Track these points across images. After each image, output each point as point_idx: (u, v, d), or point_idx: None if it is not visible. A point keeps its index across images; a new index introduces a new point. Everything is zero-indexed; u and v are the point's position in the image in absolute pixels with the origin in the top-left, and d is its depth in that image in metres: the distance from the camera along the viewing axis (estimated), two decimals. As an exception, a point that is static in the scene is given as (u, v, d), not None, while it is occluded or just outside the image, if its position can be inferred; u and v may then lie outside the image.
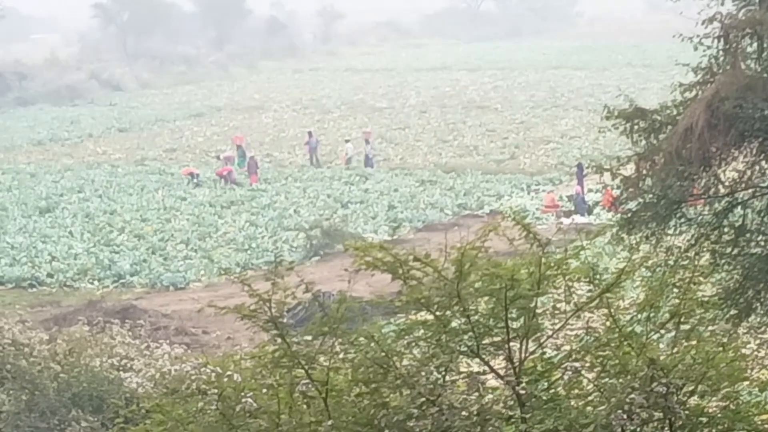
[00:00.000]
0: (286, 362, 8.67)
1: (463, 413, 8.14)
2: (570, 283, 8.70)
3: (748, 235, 15.46)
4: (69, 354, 17.98)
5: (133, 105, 75.99)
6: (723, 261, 15.28)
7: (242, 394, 8.58)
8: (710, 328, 9.02)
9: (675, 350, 8.58)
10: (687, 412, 8.17)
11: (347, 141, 51.50)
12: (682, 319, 8.76)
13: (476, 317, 8.58)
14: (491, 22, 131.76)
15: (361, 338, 8.60)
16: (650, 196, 15.30)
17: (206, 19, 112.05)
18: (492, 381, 8.62)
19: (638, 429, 8.08)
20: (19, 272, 33.24)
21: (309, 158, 50.68)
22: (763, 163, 15.46)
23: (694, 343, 8.58)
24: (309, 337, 8.77)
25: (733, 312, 15.01)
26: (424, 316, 8.77)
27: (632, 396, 7.93)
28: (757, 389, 9.25)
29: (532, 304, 8.58)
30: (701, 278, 9.28)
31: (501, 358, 8.67)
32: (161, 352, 18.70)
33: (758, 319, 15.58)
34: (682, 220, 15.45)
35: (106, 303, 29.00)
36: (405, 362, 8.59)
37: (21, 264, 34.19)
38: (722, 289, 15.18)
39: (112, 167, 51.20)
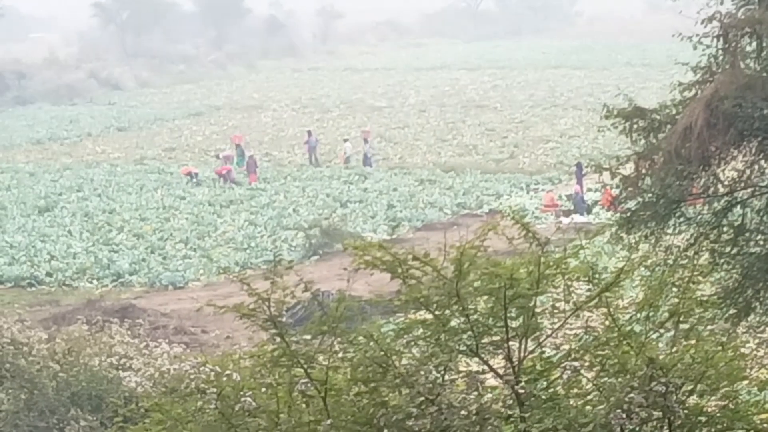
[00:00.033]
0: (285, 361, 8.66)
1: (462, 412, 8.13)
2: (569, 283, 8.70)
3: (747, 234, 15.45)
4: (68, 353, 17.98)
5: (132, 104, 75.99)
6: (722, 260, 15.28)
7: (241, 393, 8.58)
8: (709, 327, 9.01)
9: (674, 349, 8.58)
10: (686, 411, 8.17)
11: (346, 140, 51.51)
12: (681, 319, 8.76)
13: (475, 316, 8.58)
14: (491, 21, 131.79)
15: (360, 337, 8.60)
16: (649, 195, 15.29)
17: (205, 19, 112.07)
18: (491, 380, 8.62)
19: (637, 428, 8.07)
20: (18, 271, 33.24)
21: (308, 157, 50.68)
22: (762, 162, 15.46)
23: (693, 342, 8.58)
24: (308, 336, 8.77)
25: (732, 311, 15.00)
26: (423, 315, 8.77)
27: (631, 395, 7.93)
28: (756, 388, 9.25)
29: (531, 304, 8.58)
30: (700, 277, 9.29)
31: (500, 357, 8.67)
32: (160, 352, 18.70)
33: (757, 319, 15.58)
34: (682, 219, 15.44)
35: (105, 302, 29.01)
36: (404, 361, 8.59)
37: (20, 263, 34.19)
38: (721, 288, 15.18)
39: (111, 166, 51.20)
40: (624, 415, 7.90)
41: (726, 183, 15.50)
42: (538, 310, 8.66)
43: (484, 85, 78.17)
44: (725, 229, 15.49)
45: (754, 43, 15.04)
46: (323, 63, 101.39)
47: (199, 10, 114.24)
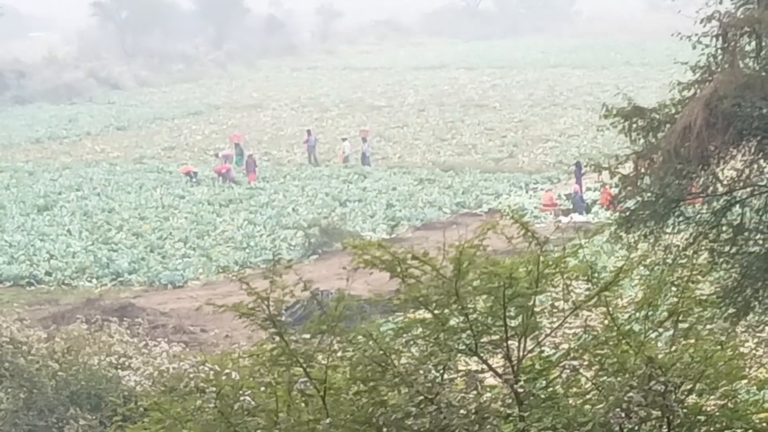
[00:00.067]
0: (285, 360, 8.66)
1: (462, 411, 8.13)
2: (568, 282, 8.70)
3: (746, 233, 15.46)
4: (67, 352, 17.98)
5: (131, 103, 75.97)
6: (721, 259, 15.28)
7: (240, 392, 8.58)
8: (708, 326, 9.01)
9: (673, 349, 8.58)
10: (685, 410, 8.17)
11: (344, 139, 51.52)
12: (680, 318, 8.77)
13: (474, 315, 8.58)
14: (490, 20, 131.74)
15: (360, 336, 8.60)
16: (649, 194, 15.30)
17: (205, 18, 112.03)
18: (490, 379, 8.62)
19: (636, 427, 8.08)
20: (18, 270, 33.24)
21: (307, 157, 50.69)
22: (761, 161, 15.46)
23: (692, 341, 8.59)
24: (307, 336, 8.77)
25: (731, 310, 15.01)
26: (423, 314, 8.77)
27: (630, 394, 7.93)
28: (755, 388, 9.24)
29: (531, 303, 8.58)
30: (699, 277, 9.29)
31: (499, 356, 8.67)
32: (159, 351, 18.68)
33: (756, 318, 15.58)
34: (681, 218, 15.45)
35: (105, 301, 29.02)
36: (403, 360, 8.59)
37: (19, 262, 34.19)
38: (720, 287, 15.19)
39: (111, 165, 51.19)
40: (623, 414, 7.91)
41: (725, 182, 15.51)
42: (537, 309, 8.66)
43: (483, 85, 78.16)
44: (724, 228, 15.49)
45: (753, 43, 15.05)
46: (322, 62, 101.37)
47: (199, 9, 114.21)
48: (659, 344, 8.73)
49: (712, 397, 8.42)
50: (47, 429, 17.17)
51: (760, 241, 15.51)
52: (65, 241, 36.54)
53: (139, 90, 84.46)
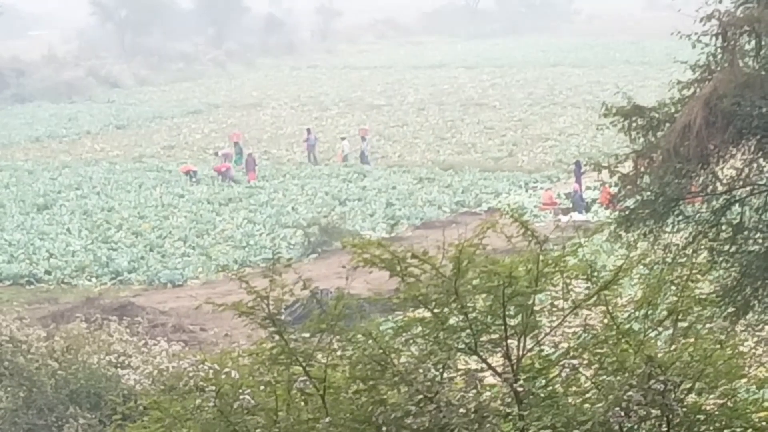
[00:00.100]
0: (284, 359, 8.66)
1: (461, 410, 8.13)
2: (568, 281, 8.70)
3: (745, 232, 15.46)
4: (67, 351, 17.98)
5: (131, 102, 75.96)
6: (721, 258, 15.28)
7: (240, 391, 8.58)
8: (708, 325, 9.01)
9: (673, 347, 8.58)
10: (684, 409, 8.17)
11: (343, 138, 51.54)
12: (679, 317, 8.76)
13: (474, 314, 8.58)
14: (489, 19, 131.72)
15: (359, 335, 8.60)
16: (648, 193, 15.30)
17: (204, 17, 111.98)
18: (490, 378, 8.62)
19: (636, 426, 8.07)
20: (17, 269, 33.24)
21: (307, 155, 50.69)
22: (761, 160, 15.46)
23: (691, 340, 8.58)
24: (307, 334, 8.77)
25: (730, 309, 15.02)
26: (422, 313, 8.77)
27: (630, 393, 7.93)
28: (754, 386, 9.24)
29: (530, 302, 8.58)
30: (699, 276, 9.28)
31: (499, 355, 8.67)
32: (159, 349, 18.67)
33: (756, 317, 15.58)
34: (680, 217, 15.45)
35: (104, 300, 29.02)
36: (403, 359, 8.59)
37: (19, 261, 34.19)
38: (720, 286, 15.19)
39: (110, 164, 51.19)
40: (622, 413, 7.90)
41: (725, 181, 15.51)
42: (536, 308, 8.66)
43: (483, 84, 78.16)
44: (724, 227, 15.50)
45: (753, 42, 15.05)
46: (322, 61, 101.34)
47: (198, 8, 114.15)
48: (659, 343, 8.73)
49: (711, 396, 8.42)
50: (47, 428, 17.17)
51: (760, 240, 15.52)
52: (65, 239, 36.54)
53: (139, 89, 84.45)
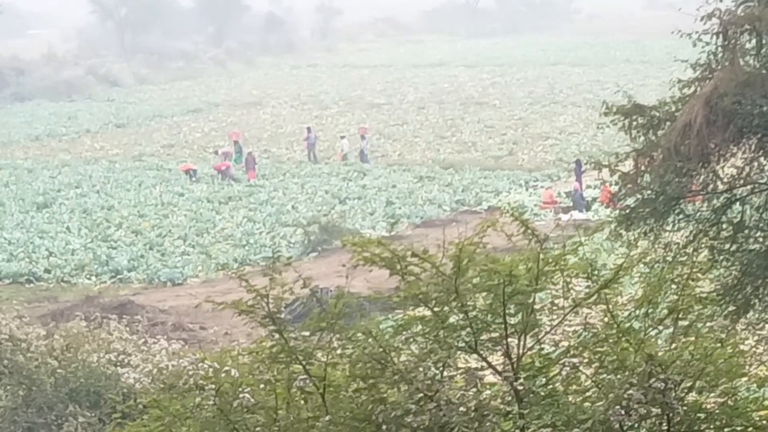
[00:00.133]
0: (284, 358, 8.65)
1: (461, 409, 8.12)
2: (568, 279, 8.69)
3: (746, 231, 15.46)
4: (66, 349, 17.96)
5: (130, 101, 75.95)
6: (721, 257, 15.28)
7: (240, 389, 8.56)
8: (708, 324, 9.00)
9: (673, 346, 8.56)
10: (685, 407, 8.15)
11: (342, 137, 51.55)
12: (680, 315, 8.75)
13: (474, 313, 8.57)
14: (489, 18, 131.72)
15: (359, 334, 8.59)
16: (648, 192, 15.29)
17: (204, 15, 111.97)
18: (490, 377, 8.61)
19: (636, 425, 8.06)
20: (17, 268, 33.23)
21: (307, 154, 50.68)
22: (761, 159, 15.46)
23: (692, 339, 8.57)
24: (307, 333, 8.76)
25: (731, 308, 15.01)
26: (422, 311, 8.76)
27: (630, 392, 7.92)
28: (755, 385, 9.23)
29: (530, 300, 8.56)
30: (699, 274, 9.27)
31: (499, 353, 8.66)
32: (158, 348, 18.66)
33: (756, 315, 15.57)
34: (681, 216, 15.44)
35: (104, 298, 29.01)
36: (403, 358, 8.57)
37: (18, 259, 34.18)
38: (720, 285, 15.18)
39: (110, 163, 51.17)
40: (623, 412, 7.89)
41: (725, 180, 15.50)
42: (536, 306, 8.65)
43: (483, 82, 78.15)
44: (724, 226, 15.49)
45: (754, 40, 15.04)
46: (322, 60, 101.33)
47: (198, 7, 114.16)
48: (659, 342, 8.72)
49: (712, 394, 8.40)
50: (46, 426, 17.16)
51: (760, 239, 15.51)
52: (64, 238, 36.52)
53: (139, 87, 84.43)
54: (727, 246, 15.35)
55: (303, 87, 79.67)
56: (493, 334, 8.62)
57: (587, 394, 8.43)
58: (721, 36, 14.81)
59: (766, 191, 15.62)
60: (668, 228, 15.44)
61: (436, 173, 45.59)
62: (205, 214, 39.61)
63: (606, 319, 8.65)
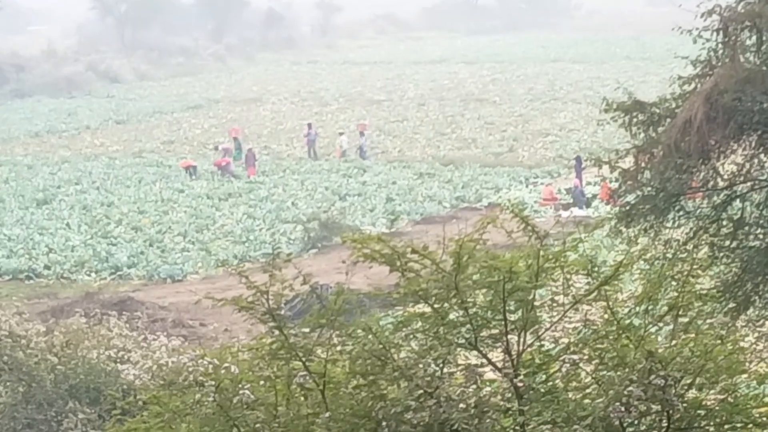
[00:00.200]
0: (284, 354, 8.65)
1: (461, 405, 8.12)
2: (568, 276, 8.68)
3: (746, 228, 15.46)
4: (66, 346, 17.97)
5: (130, 97, 75.93)
6: (721, 254, 15.28)
7: (239, 386, 8.56)
8: (708, 320, 9.00)
9: (673, 343, 8.56)
10: (685, 404, 8.15)
11: (341, 134, 51.56)
12: (680, 312, 8.75)
13: (474, 309, 8.56)
14: (490, 15, 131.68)
15: (359, 330, 8.58)
16: (649, 188, 15.29)
17: (204, 11, 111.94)
18: (490, 373, 8.60)
19: (636, 421, 8.06)
20: (17, 264, 33.23)
21: (307, 151, 50.68)
22: (761, 156, 15.46)
23: (692, 335, 8.57)
24: (306, 329, 8.75)
25: (731, 305, 15.02)
26: (422, 308, 8.75)
27: (630, 388, 7.91)
28: (755, 382, 9.23)
29: (530, 297, 8.56)
30: (700, 271, 9.27)
31: (499, 350, 8.66)
32: (158, 344, 18.69)
33: (756, 312, 15.58)
34: (681, 212, 15.45)
35: (104, 295, 29.01)
36: (403, 354, 8.57)
37: (18, 256, 34.18)
38: (721, 281, 15.19)
39: (110, 159, 51.17)
40: (623, 408, 7.89)
41: (725, 177, 15.51)
42: (537, 303, 8.64)
43: (483, 79, 78.14)
44: (724, 222, 15.49)
45: (754, 37, 15.04)
46: (322, 56, 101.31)
47: (198, 3, 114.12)
48: (659, 338, 8.72)
49: (712, 391, 8.40)
50: (46, 422, 17.16)
51: (761, 236, 15.51)
52: (64, 234, 36.52)
53: (139, 84, 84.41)
54: (727, 243, 15.36)
55: (303, 83, 79.65)
56: (493, 331, 8.61)
57: (587, 390, 8.43)
58: (721, 33, 14.81)
59: (767, 188, 15.62)
60: (668, 225, 15.45)
61: (436, 170, 45.59)
62: (204, 211, 39.62)
63: (606, 316, 8.65)
